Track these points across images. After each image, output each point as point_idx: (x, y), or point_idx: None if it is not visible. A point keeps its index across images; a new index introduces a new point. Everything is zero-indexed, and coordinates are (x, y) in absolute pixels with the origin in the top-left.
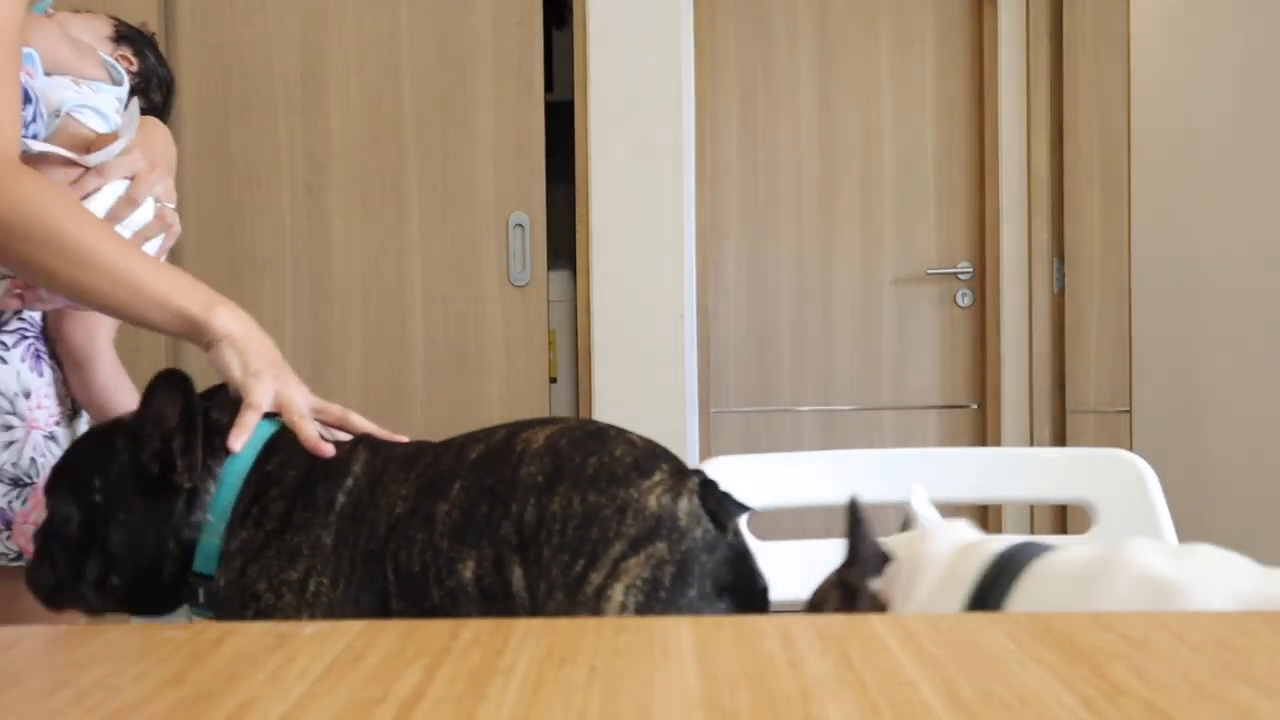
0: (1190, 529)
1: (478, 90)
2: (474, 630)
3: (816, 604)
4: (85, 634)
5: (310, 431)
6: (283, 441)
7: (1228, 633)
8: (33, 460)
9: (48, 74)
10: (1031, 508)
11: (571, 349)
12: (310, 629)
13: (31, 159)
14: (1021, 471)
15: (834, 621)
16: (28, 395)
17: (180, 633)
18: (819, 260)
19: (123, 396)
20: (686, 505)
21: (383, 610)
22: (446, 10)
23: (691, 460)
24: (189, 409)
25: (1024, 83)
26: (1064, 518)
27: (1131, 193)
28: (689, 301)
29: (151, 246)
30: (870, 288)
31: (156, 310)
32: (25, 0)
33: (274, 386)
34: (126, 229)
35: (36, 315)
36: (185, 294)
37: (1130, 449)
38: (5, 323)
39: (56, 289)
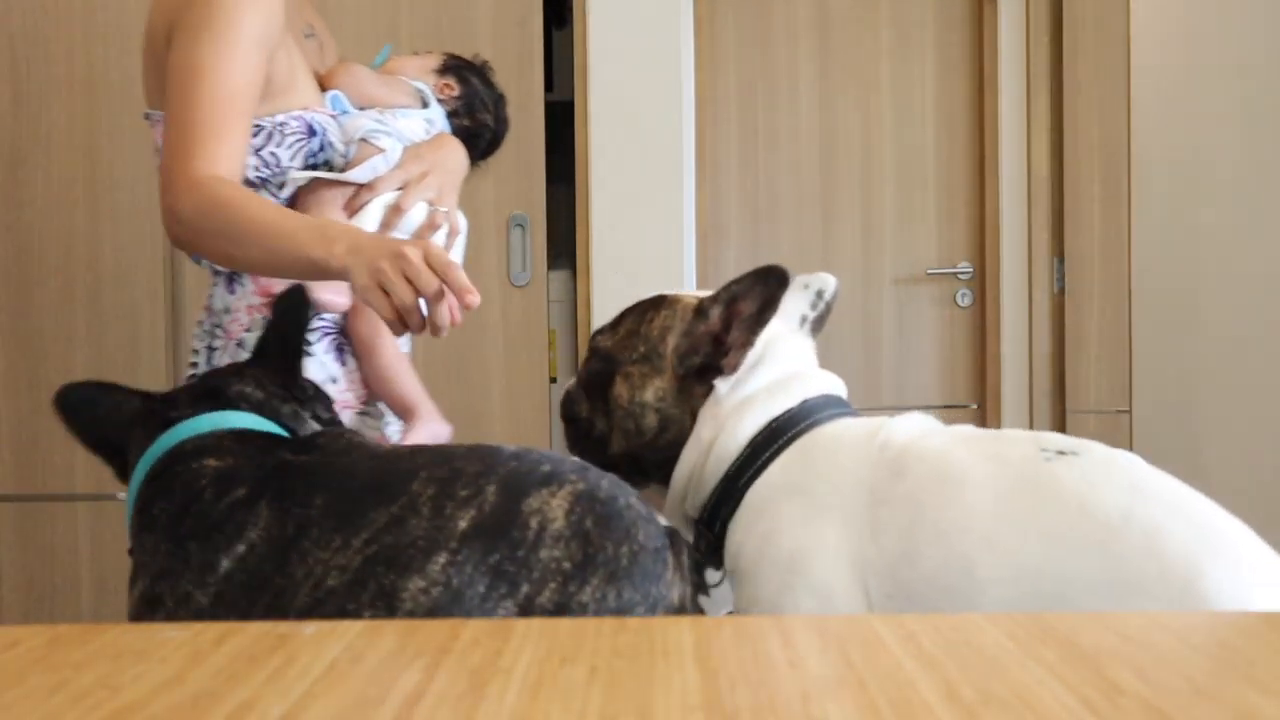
0: None
1: None
2: (474, 630)
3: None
4: (85, 634)
5: (384, 310)
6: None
7: (1228, 633)
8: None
9: (360, 109)
10: None
11: (571, 349)
12: (310, 629)
13: (305, 186)
14: None
15: (834, 621)
16: (335, 381)
17: (180, 633)
18: (819, 260)
19: (403, 385)
20: (689, 592)
21: None
22: (446, 10)
23: None
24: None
25: (1024, 83)
26: None
27: (1131, 193)
28: None
29: None
30: (870, 287)
31: (294, 264)
32: (257, 67)
33: (395, 268)
34: (401, 233)
35: (336, 314)
36: (314, 244)
37: (1130, 449)
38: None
39: (236, 265)
